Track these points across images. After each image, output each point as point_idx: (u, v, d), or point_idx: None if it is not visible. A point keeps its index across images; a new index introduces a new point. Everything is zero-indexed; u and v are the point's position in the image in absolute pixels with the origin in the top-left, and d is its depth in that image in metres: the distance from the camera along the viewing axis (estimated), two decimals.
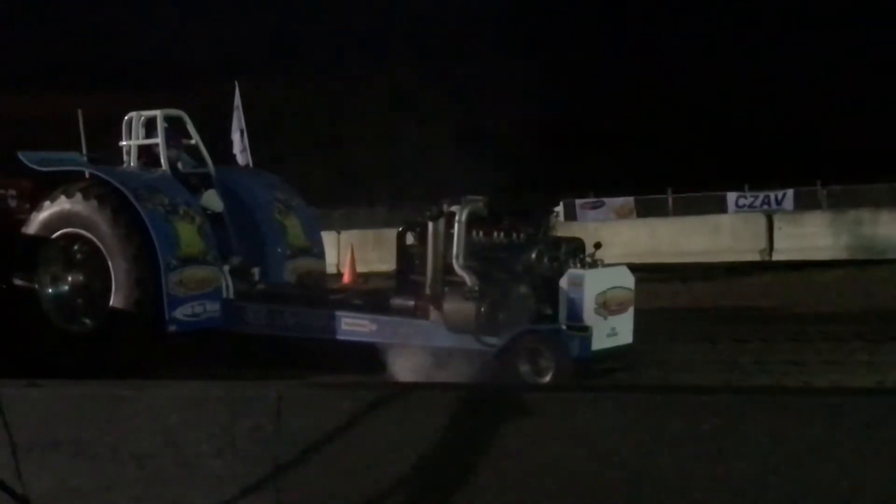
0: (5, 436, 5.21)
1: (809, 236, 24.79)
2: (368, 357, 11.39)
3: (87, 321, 12.59)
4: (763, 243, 25.15)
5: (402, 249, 11.72)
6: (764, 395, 5.63)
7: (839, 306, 16.28)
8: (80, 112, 13.67)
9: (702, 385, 10.08)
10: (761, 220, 26.03)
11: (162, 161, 13.03)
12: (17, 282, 12.71)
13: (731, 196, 41.94)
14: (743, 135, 53.37)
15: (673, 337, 13.41)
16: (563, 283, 10.67)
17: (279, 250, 13.25)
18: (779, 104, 53.94)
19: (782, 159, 45.98)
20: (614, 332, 10.78)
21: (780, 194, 41.21)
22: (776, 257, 24.62)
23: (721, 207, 40.20)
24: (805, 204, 38.76)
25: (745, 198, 41.88)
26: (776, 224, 25.56)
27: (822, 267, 22.38)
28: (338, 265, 23.63)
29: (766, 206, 39.51)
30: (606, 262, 11.21)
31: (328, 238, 18.58)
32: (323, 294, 12.89)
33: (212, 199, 13.05)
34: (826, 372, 10.89)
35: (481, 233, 11.18)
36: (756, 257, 24.70)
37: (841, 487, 4.80)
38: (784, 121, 53.42)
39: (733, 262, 23.91)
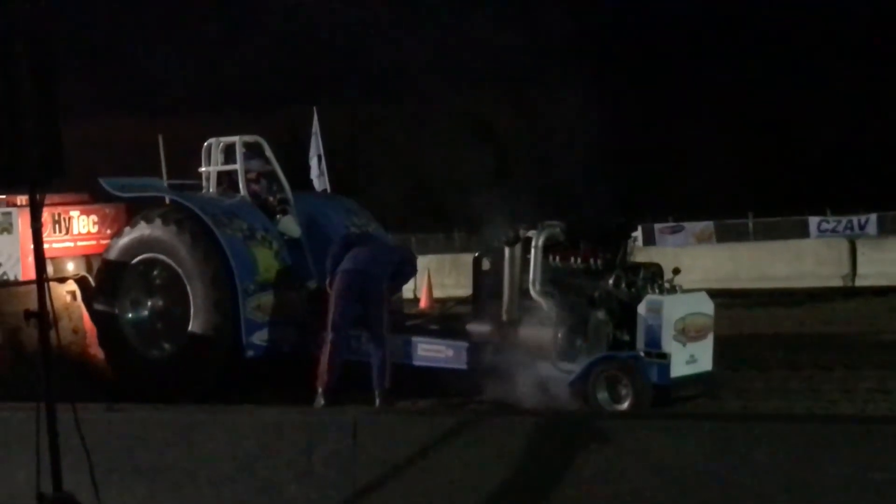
0: (85, 459, 5.24)
1: (893, 262, 24.35)
2: (445, 383, 11.36)
3: (167, 346, 12.69)
4: (846, 269, 24.75)
5: (478, 275, 11.66)
6: (848, 424, 5.51)
7: None
8: (160, 138, 13.82)
9: (784, 413, 9.91)
10: (844, 245, 25.63)
11: (240, 187, 13.12)
12: (98, 307, 12.85)
13: (814, 220, 41.43)
14: (825, 159, 52.73)
15: (754, 364, 13.21)
16: (642, 309, 10.56)
17: None
18: (861, 128, 53.23)
19: (865, 183, 45.34)
20: (693, 359, 10.64)
21: (863, 219, 40.64)
22: (859, 283, 24.21)
23: (803, 232, 39.71)
24: (889, 229, 38.17)
25: (828, 222, 41.34)
26: (859, 249, 25.16)
27: None
28: (414, 290, 23.62)
29: (848, 231, 38.93)
30: (685, 287, 11.09)
31: None
32: (399, 319, 12.86)
33: (289, 225, 13.10)
34: None
35: (558, 258, 11.11)
36: (839, 283, 24.31)
37: None
38: (867, 144, 52.71)
39: (815, 288, 23.55)
